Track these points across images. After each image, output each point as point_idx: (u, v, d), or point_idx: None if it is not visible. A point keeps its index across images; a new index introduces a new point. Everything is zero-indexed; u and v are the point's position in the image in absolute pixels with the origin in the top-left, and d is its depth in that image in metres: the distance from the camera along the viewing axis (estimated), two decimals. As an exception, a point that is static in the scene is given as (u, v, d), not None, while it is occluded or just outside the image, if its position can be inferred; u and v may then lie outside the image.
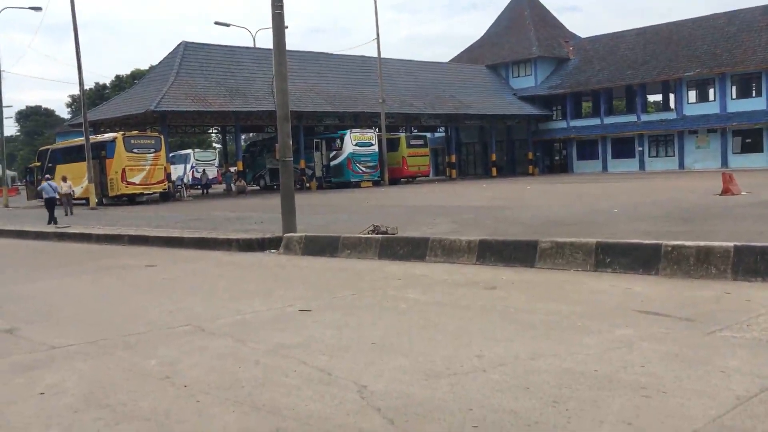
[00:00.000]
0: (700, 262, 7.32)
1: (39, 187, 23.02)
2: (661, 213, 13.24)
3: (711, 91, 43.84)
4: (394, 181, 40.21)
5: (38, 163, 36.98)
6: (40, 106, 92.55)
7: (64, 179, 25.14)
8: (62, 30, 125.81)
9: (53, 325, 6.62)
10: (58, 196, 22.08)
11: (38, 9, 32.66)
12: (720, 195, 17.42)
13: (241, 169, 38.88)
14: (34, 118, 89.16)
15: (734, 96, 42.56)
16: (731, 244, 7.31)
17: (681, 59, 44.50)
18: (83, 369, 4.91)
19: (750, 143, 41.43)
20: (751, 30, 42.66)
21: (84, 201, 30.34)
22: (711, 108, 43.01)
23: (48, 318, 6.98)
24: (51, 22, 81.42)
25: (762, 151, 40.79)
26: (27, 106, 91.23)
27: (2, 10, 34.45)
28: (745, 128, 41.24)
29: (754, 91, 42.14)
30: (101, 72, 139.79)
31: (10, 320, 6.78)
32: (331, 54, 44.78)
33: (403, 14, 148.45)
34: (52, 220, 20.33)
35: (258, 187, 43.15)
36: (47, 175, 26.37)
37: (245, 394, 4.14)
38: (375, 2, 39.26)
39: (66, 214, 22.97)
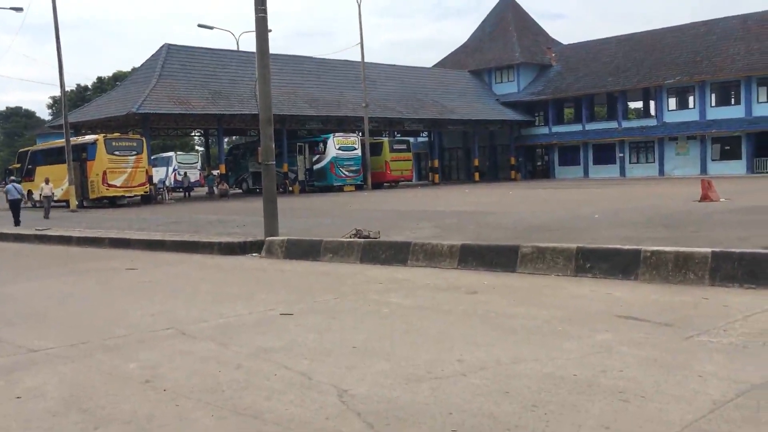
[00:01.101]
0: (678, 268, 7.40)
1: (4, 189, 22.78)
2: (641, 219, 13.38)
3: (691, 99, 44.35)
4: (377, 186, 40.24)
5: (18, 165, 36.60)
6: (21, 107, 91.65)
7: (47, 181, 24.92)
8: (43, 30, 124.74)
9: (33, 327, 6.57)
10: (25, 199, 21.98)
11: (19, 9, 32.29)
12: (699, 201, 17.63)
13: (223, 172, 38.71)
14: (15, 120, 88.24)
15: (713, 104, 43.07)
16: (709, 250, 7.41)
17: (661, 67, 44.97)
18: (63, 372, 4.87)
19: (729, 150, 41.94)
20: (730, 39, 43.22)
21: (64, 203, 30.06)
22: (691, 115, 43.51)
23: (28, 321, 6.92)
24: (32, 22, 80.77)
25: (740, 159, 41.30)
26: (7, 107, 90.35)
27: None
28: (724, 135, 41.75)
29: (733, 99, 42.67)
30: (83, 73, 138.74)
31: (-11, 323, 6.71)
32: (315, 58, 44.76)
33: (387, 19, 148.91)
34: (17, 221, 20.32)
35: (240, 191, 43.00)
36: (11, 177, 26.19)
37: (226, 397, 4.14)
38: (359, 7, 39.39)
39: (45, 217, 22.74)
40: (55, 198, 31.73)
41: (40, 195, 24.50)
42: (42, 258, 13.32)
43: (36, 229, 17.74)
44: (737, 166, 40.88)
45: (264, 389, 4.27)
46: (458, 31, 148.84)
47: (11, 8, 32.28)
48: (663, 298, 6.65)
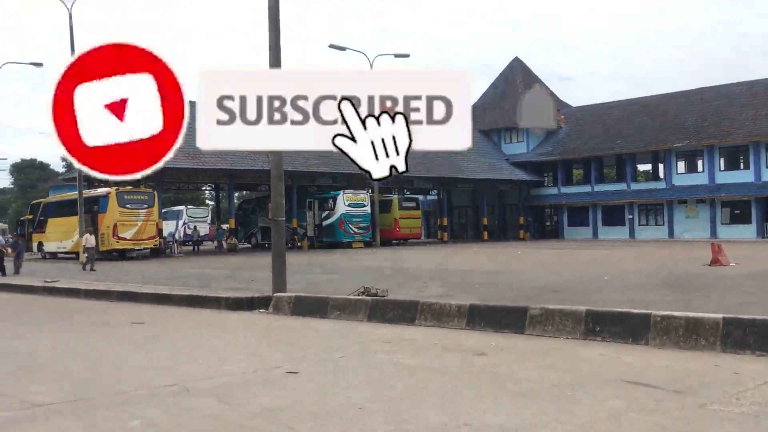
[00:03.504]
0: (689, 333, 7.32)
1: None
2: (651, 282, 13.29)
3: (699, 162, 44.52)
4: (385, 243, 40.25)
5: (30, 216, 36.91)
6: (36, 159, 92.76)
7: (90, 232, 25.12)
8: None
9: (37, 381, 6.52)
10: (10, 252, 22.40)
11: (39, 65, 33.08)
12: (709, 265, 17.51)
13: (233, 226, 38.86)
14: (29, 171, 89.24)
15: (722, 168, 43.22)
16: (720, 315, 7.33)
17: (670, 130, 45.31)
18: (65, 428, 4.82)
19: (738, 214, 41.86)
20: (737, 104, 43.63)
21: (74, 255, 30.19)
22: (700, 179, 43.60)
23: (32, 374, 6.88)
24: (51, 75, 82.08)
25: (750, 223, 41.18)
26: (22, 159, 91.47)
27: (3, 65, 34.79)
28: (734, 200, 41.75)
29: (741, 164, 42.80)
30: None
31: (-7, 375, 6.68)
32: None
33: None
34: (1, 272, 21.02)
35: (249, 245, 43.08)
36: None
37: (229, 458, 4.07)
38: (371, 65, 40.04)
39: (90, 269, 22.39)
40: (66, 249, 31.93)
41: (84, 246, 24.45)
42: (49, 310, 13.31)
43: (45, 281, 17.78)
44: (747, 231, 40.73)
45: (267, 450, 4.20)
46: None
47: (31, 63, 33.11)
48: (674, 364, 6.56)
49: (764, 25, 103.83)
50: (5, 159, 75.85)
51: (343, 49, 38.82)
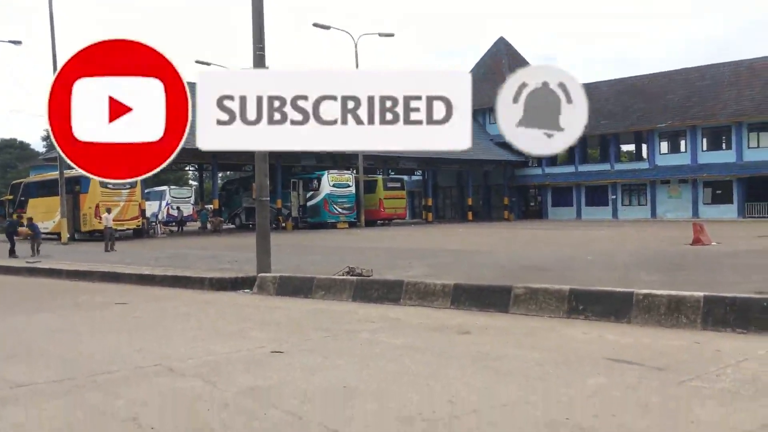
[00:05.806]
0: (671, 311, 7.39)
1: None
2: (634, 261, 13.40)
3: (682, 143, 44.82)
4: (370, 223, 40.26)
5: (10, 197, 36.52)
6: (15, 139, 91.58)
7: (108, 211, 24.79)
8: (41, 61, 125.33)
9: (20, 362, 6.48)
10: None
11: (18, 43, 32.53)
12: (691, 245, 17.69)
13: (216, 207, 38.69)
14: (9, 151, 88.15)
15: (705, 148, 43.54)
16: (701, 294, 7.40)
17: (653, 111, 45.51)
18: (47, 409, 4.80)
19: (720, 194, 42.26)
20: (722, 85, 43.86)
21: (56, 236, 29.94)
22: (682, 159, 43.92)
23: (15, 355, 6.83)
24: (30, 51, 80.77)
25: (732, 203, 41.60)
26: (2, 139, 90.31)
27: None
28: (716, 180, 42.11)
29: (724, 144, 43.14)
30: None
31: (-26, 357, 6.63)
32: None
33: (383, 58, 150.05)
34: None
35: (233, 226, 42.95)
36: None
37: (214, 437, 4.08)
38: (356, 46, 39.82)
39: (111, 248, 22.17)
40: (48, 230, 31.62)
41: (105, 225, 23.91)
42: (31, 291, 13.22)
43: (26, 261, 17.64)
44: (729, 210, 41.15)
45: (252, 429, 4.21)
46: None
47: (10, 41, 32.57)
48: (656, 341, 6.63)
49: (752, 8, 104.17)
50: (-17, 139, 74.77)
51: (327, 27, 38.50)
